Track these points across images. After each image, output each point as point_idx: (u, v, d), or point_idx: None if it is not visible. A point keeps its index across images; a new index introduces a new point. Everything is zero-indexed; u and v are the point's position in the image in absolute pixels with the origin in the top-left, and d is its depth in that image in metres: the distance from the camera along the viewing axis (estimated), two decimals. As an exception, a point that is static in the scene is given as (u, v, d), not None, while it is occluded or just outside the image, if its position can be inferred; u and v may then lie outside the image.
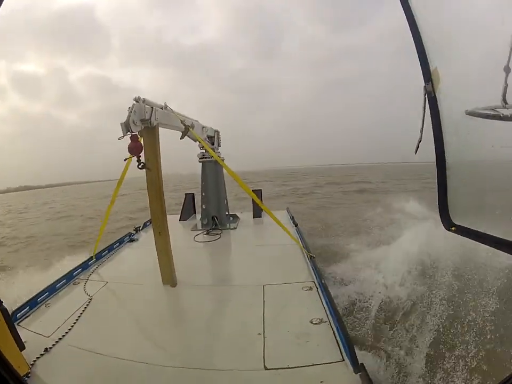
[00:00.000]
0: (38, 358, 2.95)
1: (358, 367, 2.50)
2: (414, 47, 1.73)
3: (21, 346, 2.79)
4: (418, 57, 1.73)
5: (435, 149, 1.78)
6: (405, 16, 1.72)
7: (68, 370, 2.85)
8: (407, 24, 1.73)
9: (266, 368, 2.68)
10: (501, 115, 1.47)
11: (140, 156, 4.05)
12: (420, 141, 1.83)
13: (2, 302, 2.67)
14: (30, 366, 2.81)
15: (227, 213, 8.42)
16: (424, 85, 1.73)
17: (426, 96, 1.74)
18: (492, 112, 1.50)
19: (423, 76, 1.73)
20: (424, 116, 1.77)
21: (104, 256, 5.88)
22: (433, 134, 1.76)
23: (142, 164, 4.12)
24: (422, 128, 1.80)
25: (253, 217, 8.75)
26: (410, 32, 1.72)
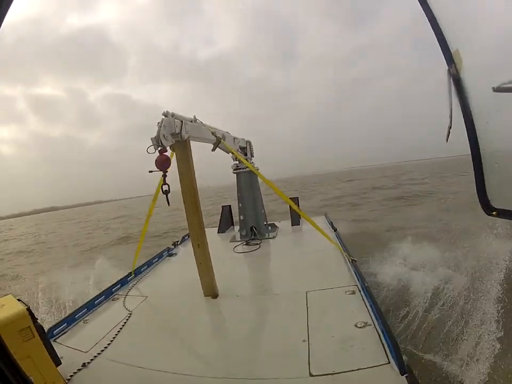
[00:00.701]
0: (75, 373, 3.00)
1: (404, 369, 2.44)
2: (432, 32, 1.69)
3: (57, 361, 2.86)
4: (438, 41, 1.69)
5: (467, 132, 1.74)
6: (419, 3, 1.70)
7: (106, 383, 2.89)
8: (422, 10, 1.70)
9: (311, 375, 2.64)
10: None
11: (167, 172, 4.06)
12: (450, 127, 1.78)
13: (37, 319, 2.76)
14: (66, 381, 2.86)
15: (265, 223, 8.42)
16: (447, 68, 1.69)
17: (451, 79, 1.69)
18: None
19: (445, 59, 1.69)
20: (451, 100, 1.72)
21: (143, 271, 5.99)
22: (463, 117, 1.71)
23: (165, 188, 4.12)
24: (451, 114, 1.75)
25: (292, 225, 8.72)
26: (426, 18, 1.69)
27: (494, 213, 1.76)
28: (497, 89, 1.52)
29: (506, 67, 1.52)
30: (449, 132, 1.79)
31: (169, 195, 4.13)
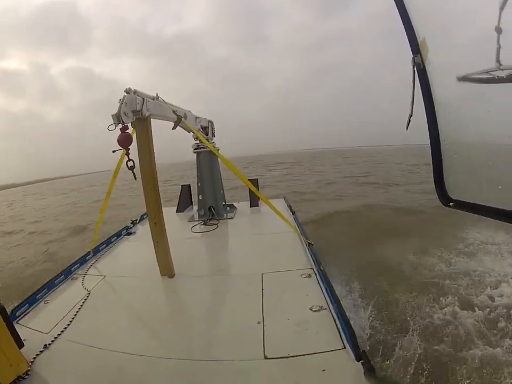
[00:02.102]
0: (37, 355, 2.96)
1: (360, 355, 2.50)
2: (400, 22, 1.70)
3: (20, 344, 2.80)
4: (405, 29, 1.69)
5: (427, 122, 1.76)
6: None
7: (67, 366, 2.87)
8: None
9: (266, 358, 2.68)
10: (496, 77, 1.44)
11: (129, 149, 3.99)
12: (411, 115, 1.81)
13: (0, 301, 2.70)
14: (30, 364, 2.81)
15: (224, 203, 8.41)
16: (412, 56, 1.70)
17: (415, 68, 1.71)
18: (486, 76, 1.47)
19: (411, 48, 1.70)
20: (414, 89, 1.75)
21: (102, 250, 5.90)
22: (425, 107, 1.73)
23: (130, 164, 4.11)
24: (413, 102, 1.78)
25: (250, 207, 8.76)
26: (395, 5, 1.69)
27: (451, 204, 1.80)
28: (462, 79, 1.55)
29: (473, 58, 1.55)
30: (409, 120, 1.82)
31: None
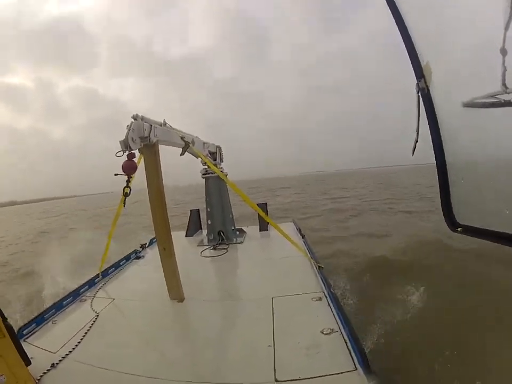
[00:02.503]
0: (44, 373, 2.96)
1: (371, 376, 2.47)
2: (403, 44, 1.70)
3: (27, 362, 2.80)
4: (408, 54, 1.68)
5: (433, 147, 1.74)
6: (391, 12, 1.70)
7: None
8: (394, 21, 1.70)
9: (277, 381, 2.65)
10: (502, 101, 1.41)
11: (132, 177, 4.04)
12: (417, 141, 1.79)
13: (7, 319, 2.71)
14: (37, 381, 2.82)
15: (233, 228, 8.41)
16: (416, 82, 1.69)
17: (419, 93, 1.70)
18: (492, 100, 1.44)
19: (415, 73, 1.69)
20: (419, 114, 1.73)
21: (110, 273, 5.92)
22: (430, 132, 1.71)
23: (126, 192, 4.18)
24: (418, 127, 1.76)
25: (260, 231, 8.74)
26: (397, 29, 1.69)
27: (459, 229, 1.76)
28: (467, 105, 1.52)
29: (477, 82, 1.53)
30: (415, 146, 1.81)
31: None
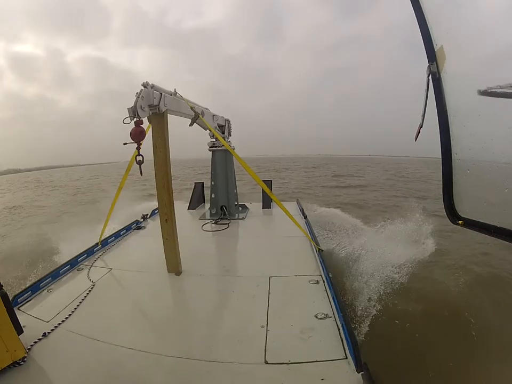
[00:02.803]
0: (35, 342, 2.99)
1: (361, 366, 2.47)
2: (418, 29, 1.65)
3: (19, 330, 2.83)
4: (422, 35, 1.63)
5: (440, 136, 1.70)
6: None
7: (64, 355, 2.88)
8: (410, 2, 1.66)
9: (266, 362, 2.67)
10: None
11: (141, 144, 4.01)
12: (421, 126, 1.74)
13: (2, 286, 2.74)
14: (27, 350, 2.84)
15: (236, 203, 8.42)
16: (428, 64, 1.65)
17: (430, 77, 1.65)
18: (511, 90, 1.40)
19: (427, 56, 1.64)
20: (426, 98, 1.69)
21: (110, 243, 5.95)
22: (438, 117, 1.68)
23: (139, 158, 4.12)
24: (424, 112, 1.71)
25: (263, 208, 8.77)
26: (413, 11, 1.64)
27: (459, 221, 1.74)
28: (483, 93, 1.47)
29: (493, 70, 1.49)
30: (419, 131, 1.77)
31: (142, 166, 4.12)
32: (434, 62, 1.63)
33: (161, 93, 4.12)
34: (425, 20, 1.63)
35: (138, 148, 4.02)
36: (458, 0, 1.59)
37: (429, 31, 1.63)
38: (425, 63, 1.68)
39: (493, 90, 1.45)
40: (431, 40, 1.63)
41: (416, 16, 1.64)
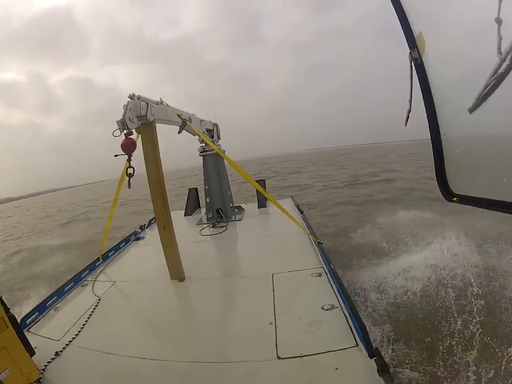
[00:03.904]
0: (49, 362, 2.98)
1: (373, 352, 2.49)
2: (394, 22, 1.69)
3: (31, 352, 2.82)
4: (400, 24, 1.67)
5: (427, 117, 1.74)
6: None
7: (80, 372, 2.88)
8: None
9: (279, 358, 2.69)
10: (498, 74, 1.41)
11: (132, 155, 4.02)
12: (410, 111, 1.79)
13: (10, 309, 2.73)
14: (41, 371, 2.83)
15: (232, 205, 8.44)
16: (409, 51, 1.69)
17: (412, 63, 1.70)
18: (491, 83, 1.43)
19: (408, 43, 1.68)
20: (412, 84, 1.73)
21: (110, 256, 5.93)
22: (424, 102, 1.72)
23: (130, 171, 4.13)
24: (411, 98, 1.76)
25: (258, 208, 8.79)
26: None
27: (454, 199, 1.78)
28: (474, 107, 1.51)
29: (472, 49, 1.53)
30: (408, 116, 1.81)
31: (135, 178, 4.13)
32: (415, 48, 1.67)
33: (147, 103, 4.15)
34: (402, 7, 1.66)
35: (129, 160, 4.03)
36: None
37: (407, 19, 1.66)
38: (404, 48, 1.73)
39: (479, 97, 1.47)
40: (410, 27, 1.67)
41: (393, 4, 1.67)
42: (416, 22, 1.67)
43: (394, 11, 1.68)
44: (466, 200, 1.73)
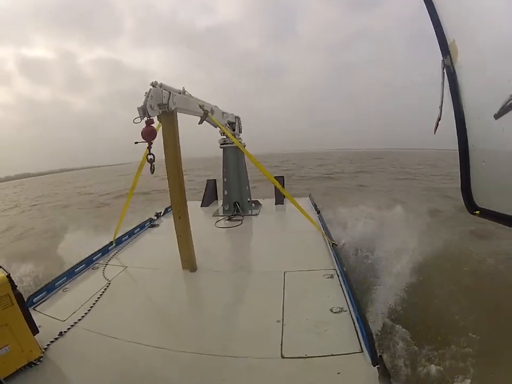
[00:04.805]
0: (52, 342, 3.02)
1: (376, 360, 2.47)
2: (430, 28, 1.63)
3: (35, 330, 2.85)
4: (434, 29, 1.61)
5: (456, 126, 1.68)
6: None
7: (81, 353, 2.91)
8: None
9: (283, 357, 2.67)
10: None
11: (152, 143, 4.03)
12: (439, 119, 1.73)
13: (17, 287, 2.74)
14: (43, 350, 2.87)
15: (249, 199, 8.43)
16: (442, 59, 1.63)
17: (444, 70, 1.64)
18: None
19: (441, 50, 1.62)
20: (443, 91, 1.67)
21: (124, 241, 5.99)
22: (454, 110, 1.65)
23: (150, 157, 4.12)
24: (441, 105, 1.70)
25: (275, 204, 8.75)
26: (424, 5, 1.62)
27: (477, 212, 1.73)
28: (500, 114, 1.45)
29: (505, 65, 1.46)
30: (437, 124, 1.75)
31: (154, 169, 4.13)
32: (448, 56, 1.61)
33: (170, 92, 4.13)
34: (437, 14, 1.61)
35: (149, 147, 4.04)
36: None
37: (441, 25, 1.61)
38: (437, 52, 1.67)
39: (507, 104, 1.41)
40: (444, 34, 1.61)
41: (428, 11, 1.62)
42: (450, 29, 1.60)
43: (429, 17, 1.62)
44: (488, 214, 1.67)
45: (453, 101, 1.65)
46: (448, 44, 1.61)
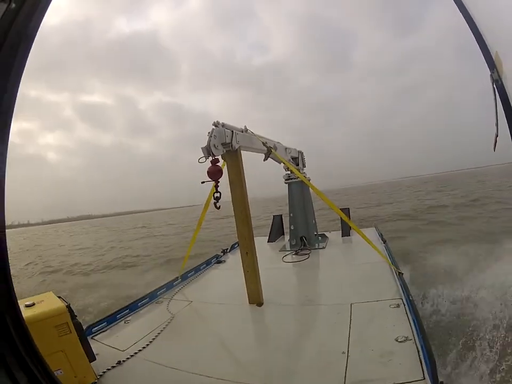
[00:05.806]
0: (108, 369, 3.12)
1: None
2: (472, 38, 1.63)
3: (91, 357, 2.99)
4: (478, 44, 1.60)
5: None
6: (455, 4, 1.65)
7: (139, 382, 3.00)
8: (460, 13, 1.65)
9: None
10: None
11: (219, 181, 4.14)
12: (497, 136, 1.69)
13: (76, 316, 2.91)
14: (98, 377, 2.97)
15: (315, 233, 8.40)
16: (490, 73, 1.61)
17: (494, 85, 1.62)
18: None
19: (487, 64, 1.60)
20: (496, 107, 1.64)
21: (190, 276, 6.12)
22: (508, 126, 1.63)
23: (217, 195, 4.22)
24: (497, 121, 1.67)
25: (342, 236, 8.65)
26: (464, 20, 1.63)
27: None
28: None
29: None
30: (496, 140, 1.72)
31: (220, 205, 4.27)
32: (495, 69, 1.59)
33: (232, 131, 4.30)
34: (477, 28, 1.60)
35: (216, 186, 4.16)
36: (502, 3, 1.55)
37: (483, 39, 1.60)
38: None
39: None
40: (487, 47, 1.60)
41: (468, 26, 1.62)
42: (492, 42, 1.59)
43: (471, 32, 1.62)
44: None
45: (506, 116, 1.62)
46: (493, 56, 1.60)
